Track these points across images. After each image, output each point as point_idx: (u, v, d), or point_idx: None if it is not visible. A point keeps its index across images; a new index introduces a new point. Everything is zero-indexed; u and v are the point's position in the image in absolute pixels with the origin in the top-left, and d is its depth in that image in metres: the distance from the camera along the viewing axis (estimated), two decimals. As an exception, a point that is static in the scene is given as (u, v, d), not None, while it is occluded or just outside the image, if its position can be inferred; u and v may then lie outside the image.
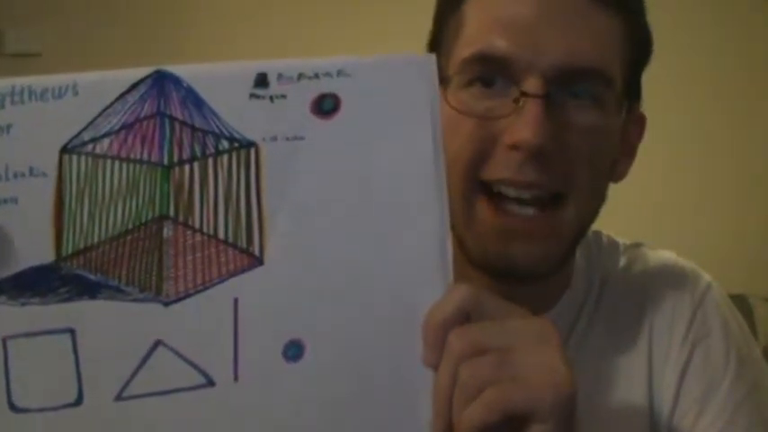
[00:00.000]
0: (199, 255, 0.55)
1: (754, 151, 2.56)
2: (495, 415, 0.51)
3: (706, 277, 0.79)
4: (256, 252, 0.55)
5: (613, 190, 0.75)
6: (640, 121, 0.76)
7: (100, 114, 0.56)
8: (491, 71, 0.67)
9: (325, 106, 0.56)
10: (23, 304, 0.54)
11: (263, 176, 0.56)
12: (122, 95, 0.56)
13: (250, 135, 0.56)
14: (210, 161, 0.56)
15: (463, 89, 0.69)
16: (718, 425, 0.72)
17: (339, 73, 0.56)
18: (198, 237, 0.55)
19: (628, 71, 0.70)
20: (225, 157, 0.56)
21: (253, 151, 0.56)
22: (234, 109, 0.56)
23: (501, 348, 0.53)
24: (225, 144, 0.56)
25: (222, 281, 0.55)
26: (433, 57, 0.58)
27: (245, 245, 0.55)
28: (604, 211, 0.74)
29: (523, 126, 0.65)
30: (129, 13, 2.50)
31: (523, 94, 0.65)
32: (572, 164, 0.67)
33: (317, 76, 0.56)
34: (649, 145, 0.78)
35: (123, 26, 2.49)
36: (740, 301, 2.38)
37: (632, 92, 0.72)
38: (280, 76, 0.56)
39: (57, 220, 0.55)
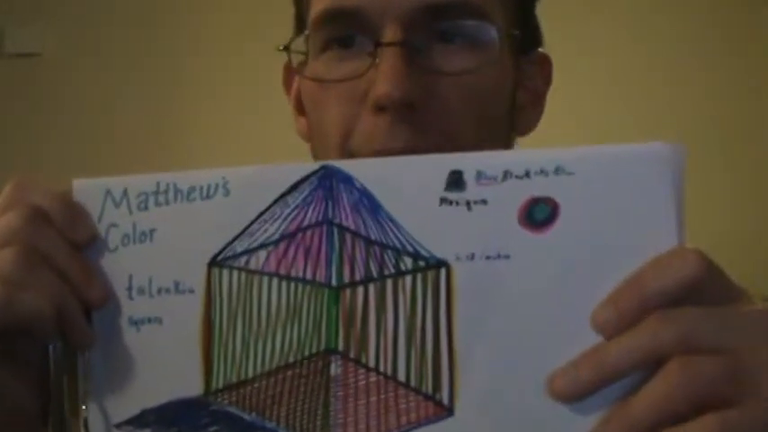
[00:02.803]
0: (373, 399, 0.44)
1: (753, 151, 2.37)
2: None
3: None
4: (445, 400, 0.44)
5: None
6: (543, 62, 0.66)
7: (255, 220, 0.45)
8: (344, 28, 0.58)
9: (539, 215, 0.43)
10: None
11: (454, 305, 0.43)
12: (282, 197, 0.45)
13: (440, 252, 0.44)
14: (389, 283, 0.44)
15: (319, 56, 0.59)
16: None
17: (557, 170, 0.43)
18: (372, 377, 0.44)
19: (512, 9, 0.60)
20: (407, 279, 0.44)
21: (443, 273, 0.44)
22: (420, 217, 0.44)
23: (726, 348, 0.39)
24: (407, 262, 0.44)
25: None
26: (682, 147, 0.43)
27: (430, 390, 0.44)
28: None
29: (380, 80, 0.54)
30: (129, 13, 2.40)
31: (378, 44, 0.55)
32: (452, 116, 0.56)
33: (527, 174, 0.43)
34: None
35: (123, 26, 2.39)
36: (740, 301, 2.27)
37: (526, 34, 0.62)
38: (479, 174, 0.43)
39: (206, 347, 0.46)
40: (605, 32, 2.32)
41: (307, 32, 0.60)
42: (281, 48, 0.61)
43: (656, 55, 2.30)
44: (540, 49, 0.66)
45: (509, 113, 0.62)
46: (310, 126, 0.62)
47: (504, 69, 0.60)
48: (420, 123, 0.55)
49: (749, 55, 2.31)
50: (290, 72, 0.66)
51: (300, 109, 0.64)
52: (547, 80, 0.67)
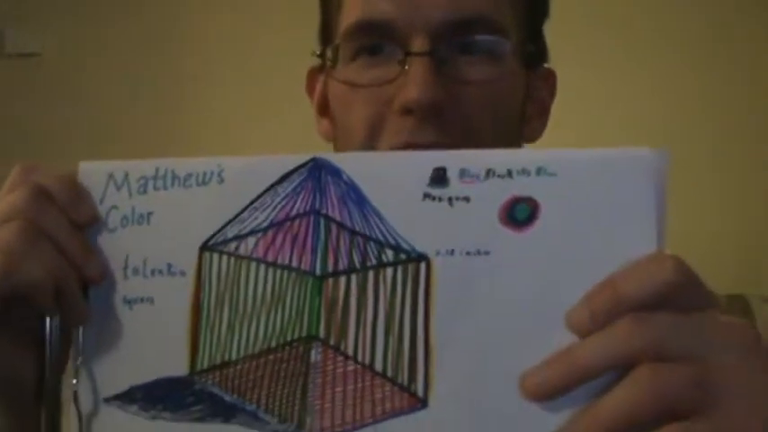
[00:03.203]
0: (350, 387, 0.46)
1: (754, 151, 2.37)
2: None
3: None
4: (419, 392, 0.45)
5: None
6: (549, 77, 0.71)
7: (246, 208, 0.47)
8: (374, 38, 0.63)
9: (519, 214, 0.44)
10: (154, 418, 0.48)
11: (433, 298, 0.45)
12: (272, 186, 0.47)
13: (421, 246, 0.45)
14: (371, 274, 0.46)
15: (349, 63, 0.64)
16: None
17: (539, 171, 0.44)
18: (350, 365, 0.46)
19: (524, 27, 0.66)
20: (388, 271, 0.45)
21: (423, 266, 0.45)
22: (403, 211, 0.45)
23: (697, 357, 0.39)
24: (389, 254, 0.45)
25: (376, 422, 0.45)
26: (665, 153, 0.44)
27: (405, 381, 0.45)
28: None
29: (410, 86, 0.60)
30: (129, 13, 2.42)
31: (408, 54, 0.61)
32: (471, 120, 0.62)
33: (509, 173, 0.44)
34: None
35: (123, 26, 2.41)
36: (740, 301, 2.29)
37: (535, 49, 0.68)
38: (462, 171, 0.45)
39: (193, 328, 0.47)
40: (599, 39, 2.34)
41: (337, 42, 0.64)
42: (317, 54, 0.67)
43: (647, 59, 2.32)
44: (545, 65, 0.70)
45: (520, 121, 0.67)
46: (336, 125, 0.67)
47: (517, 80, 0.65)
48: (444, 124, 0.60)
49: (742, 58, 2.32)
50: (313, 76, 0.71)
51: (323, 111, 0.69)
52: (552, 93, 0.72)
